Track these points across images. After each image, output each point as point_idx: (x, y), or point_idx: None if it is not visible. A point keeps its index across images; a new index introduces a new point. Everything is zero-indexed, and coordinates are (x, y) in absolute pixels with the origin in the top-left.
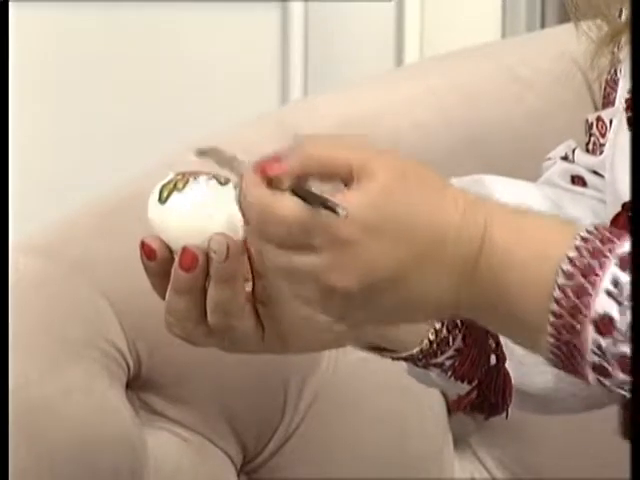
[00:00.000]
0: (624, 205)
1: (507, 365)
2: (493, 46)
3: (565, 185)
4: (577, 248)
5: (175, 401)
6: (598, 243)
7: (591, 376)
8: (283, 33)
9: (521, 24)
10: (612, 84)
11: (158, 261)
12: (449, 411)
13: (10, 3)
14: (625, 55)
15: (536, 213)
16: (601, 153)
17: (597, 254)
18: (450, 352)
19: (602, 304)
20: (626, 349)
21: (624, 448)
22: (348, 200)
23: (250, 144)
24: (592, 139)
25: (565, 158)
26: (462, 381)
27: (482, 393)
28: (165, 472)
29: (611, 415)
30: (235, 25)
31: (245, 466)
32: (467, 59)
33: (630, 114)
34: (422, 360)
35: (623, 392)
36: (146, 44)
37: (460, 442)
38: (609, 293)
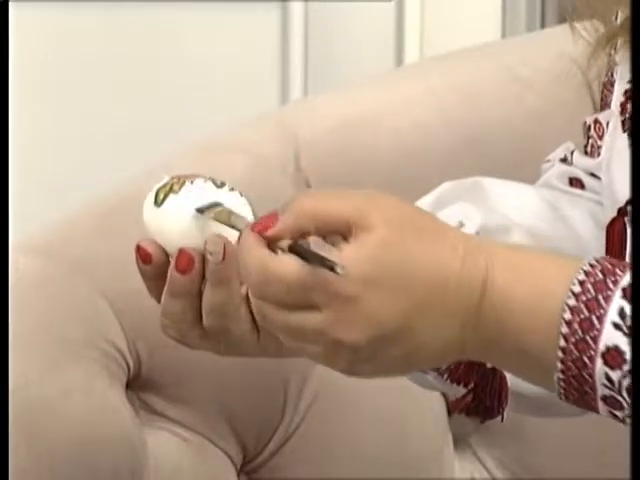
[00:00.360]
0: (620, 210)
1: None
2: (493, 46)
3: (563, 187)
4: (581, 282)
5: (175, 401)
6: (601, 276)
7: (602, 409)
8: (283, 33)
9: (521, 24)
10: (609, 86)
11: (154, 265)
12: (449, 411)
13: (10, 3)
14: (620, 57)
15: (536, 249)
16: (599, 155)
17: (601, 287)
18: None
19: (610, 337)
20: None
21: (624, 448)
22: (347, 255)
23: (250, 144)
24: (590, 141)
25: (564, 160)
26: (458, 384)
27: (478, 396)
28: (165, 472)
29: None
30: (235, 25)
31: (245, 466)
32: (467, 59)
33: (624, 117)
34: None
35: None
36: (146, 44)
37: (460, 442)
38: (616, 325)
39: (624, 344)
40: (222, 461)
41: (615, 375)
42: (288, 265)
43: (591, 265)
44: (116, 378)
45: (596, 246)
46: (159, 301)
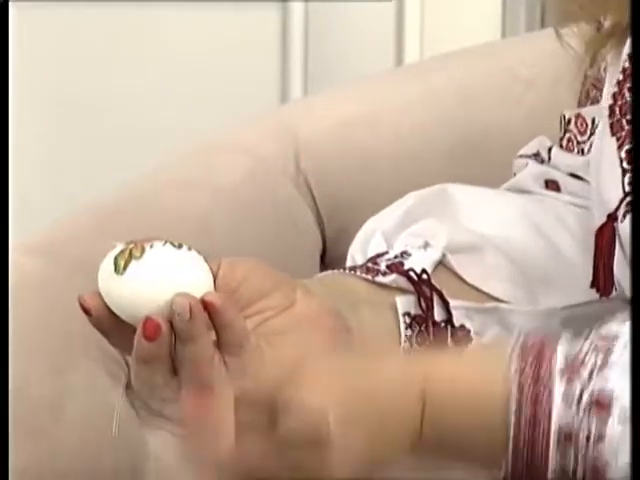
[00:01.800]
0: (609, 215)
1: None
2: (493, 46)
3: (539, 190)
4: (519, 387)
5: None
6: (535, 368)
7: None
8: (283, 33)
9: (521, 24)
10: (595, 82)
11: (94, 319)
12: None
13: (10, 3)
14: (610, 59)
15: (469, 356)
16: (580, 152)
17: (538, 382)
18: None
19: (561, 429)
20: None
21: None
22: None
23: (250, 144)
24: (567, 135)
25: (537, 155)
26: None
27: None
28: (165, 472)
29: None
30: (235, 25)
31: None
32: (467, 59)
33: (613, 120)
34: None
35: None
36: (146, 44)
37: None
38: (565, 415)
39: (577, 429)
40: None
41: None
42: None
43: (523, 358)
44: (116, 378)
45: (571, 254)
46: (116, 348)
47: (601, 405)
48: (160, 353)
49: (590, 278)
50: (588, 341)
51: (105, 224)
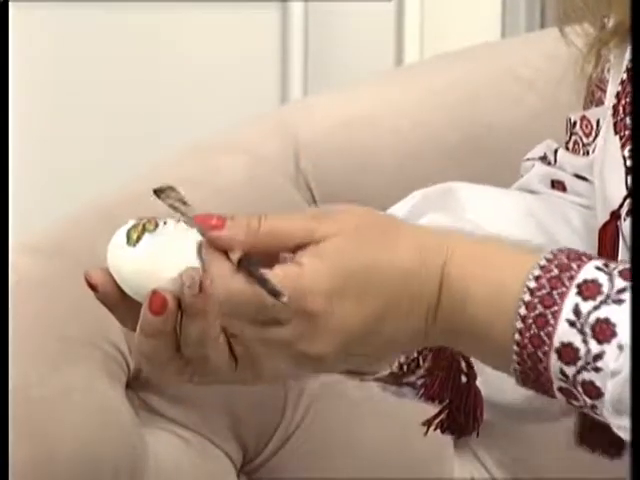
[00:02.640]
0: (613, 213)
1: (478, 381)
2: (493, 46)
3: (544, 190)
4: (536, 278)
5: (175, 401)
6: (556, 271)
7: (560, 397)
8: (283, 33)
9: (521, 24)
10: (598, 83)
11: (101, 294)
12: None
13: (10, 3)
14: (613, 59)
15: (496, 243)
16: (585, 153)
17: (556, 283)
18: (421, 372)
19: (564, 334)
20: (591, 377)
21: None
22: (305, 270)
23: (250, 144)
24: (573, 138)
25: (544, 158)
26: (432, 401)
27: (452, 413)
28: (165, 472)
29: None
30: (235, 25)
31: (245, 466)
32: (467, 59)
33: (616, 120)
34: (394, 381)
35: (594, 415)
36: (146, 44)
37: (460, 442)
38: (571, 322)
39: (578, 341)
40: (222, 461)
41: (570, 370)
42: (249, 286)
43: (548, 260)
44: (116, 378)
45: None
46: (122, 323)
47: (603, 333)
48: (165, 328)
49: None
50: (610, 272)
51: (105, 224)
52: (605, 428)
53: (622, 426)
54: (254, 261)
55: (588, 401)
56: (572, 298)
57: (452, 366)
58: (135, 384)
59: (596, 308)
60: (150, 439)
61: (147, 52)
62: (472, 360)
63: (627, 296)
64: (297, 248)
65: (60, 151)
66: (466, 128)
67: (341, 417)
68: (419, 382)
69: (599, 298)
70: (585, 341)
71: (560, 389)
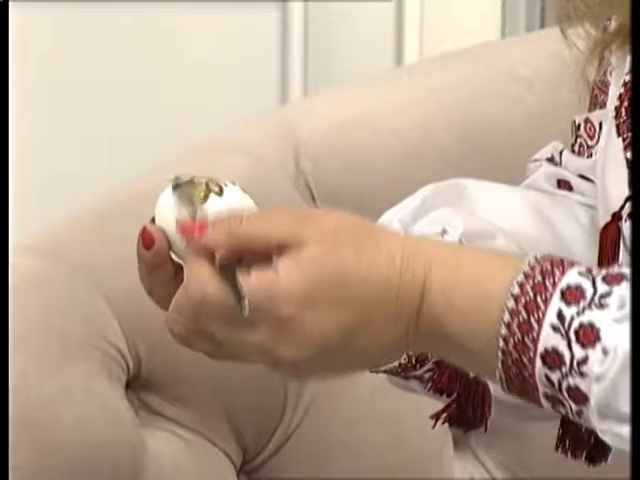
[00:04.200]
0: (614, 214)
1: None
2: (493, 46)
3: (550, 189)
4: (520, 285)
5: (175, 401)
6: (540, 277)
7: (546, 404)
8: (283, 33)
9: (521, 24)
10: (601, 86)
11: (153, 251)
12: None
13: (10, 3)
14: (616, 61)
15: (476, 251)
16: (589, 156)
17: (540, 289)
18: (429, 365)
19: (548, 339)
20: (576, 382)
21: None
22: (281, 276)
23: (250, 144)
24: (579, 140)
25: (551, 159)
26: (441, 394)
27: (460, 407)
28: (165, 472)
29: None
30: (235, 25)
31: (245, 466)
32: (467, 59)
33: (619, 121)
34: (401, 373)
35: (580, 420)
36: (146, 44)
37: (460, 442)
38: (554, 328)
39: (562, 346)
40: (222, 461)
41: (555, 376)
42: (225, 291)
43: (531, 266)
44: (116, 378)
45: (581, 249)
46: (149, 292)
47: (587, 337)
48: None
49: None
50: (592, 277)
51: (105, 224)
52: (589, 434)
53: (607, 430)
54: (231, 264)
55: (574, 407)
56: (556, 303)
57: None
58: (135, 384)
59: (579, 313)
60: (150, 439)
61: (147, 52)
62: None
63: (611, 301)
64: (278, 249)
65: (60, 151)
66: (465, 128)
67: (341, 417)
68: (427, 375)
69: (582, 303)
70: (569, 346)
71: (546, 396)
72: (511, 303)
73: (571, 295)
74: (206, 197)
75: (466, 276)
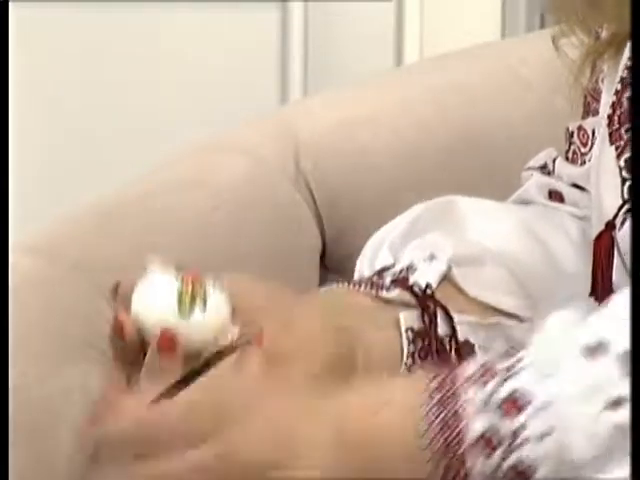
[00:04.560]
0: (607, 224)
1: None
2: (493, 46)
3: (542, 200)
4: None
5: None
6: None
7: None
8: (283, 33)
9: (521, 24)
10: (593, 93)
11: (126, 343)
12: None
13: (10, 3)
14: (608, 69)
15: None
16: (582, 163)
17: (450, 402)
18: None
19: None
20: (519, 455)
21: None
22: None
23: (250, 144)
24: (572, 147)
25: (544, 167)
26: None
27: None
28: None
29: None
30: (235, 25)
31: None
32: (467, 59)
33: (612, 130)
34: None
35: None
36: (146, 44)
37: None
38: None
39: (493, 426)
40: None
41: (493, 461)
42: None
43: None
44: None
45: (572, 265)
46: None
47: (512, 404)
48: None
49: (589, 287)
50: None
51: (105, 224)
52: None
53: None
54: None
55: None
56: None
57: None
58: None
59: (495, 390)
60: None
61: (147, 52)
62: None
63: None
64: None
65: (60, 151)
66: (465, 128)
67: None
68: None
69: (495, 380)
70: (500, 422)
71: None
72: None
73: (484, 378)
74: (192, 308)
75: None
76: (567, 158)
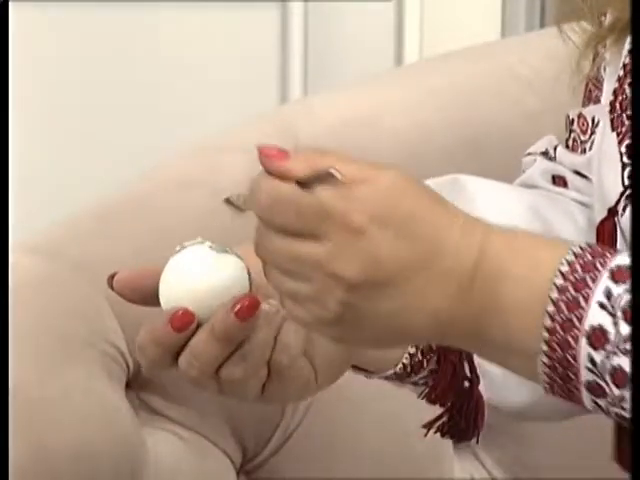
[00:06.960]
0: (610, 210)
1: (481, 385)
2: (493, 46)
3: (545, 185)
4: (569, 263)
5: (175, 401)
6: (590, 257)
7: (586, 398)
8: (283, 33)
9: (521, 24)
10: (595, 82)
11: (184, 334)
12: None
13: (10, 3)
14: (610, 56)
15: (528, 232)
16: (583, 151)
17: (589, 267)
18: (424, 373)
19: (595, 317)
20: (620, 362)
21: None
22: (359, 191)
23: (250, 144)
24: (572, 135)
25: (545, 153)
26: (434, 404)
27: (453, 417)
28: (165, 472)
29: None
30: (235, 25)
31: (245, 466)
32: (467, 59)
33: (613, 116)
34: (396, 380)
35: (619, 414)
36: (146, 44)
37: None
38: (602, 305)
39: (609, 324)
40: (222, 461)
41: (598, 357)
42: (300, 191)
43: (581, 248)
44: (116, 378)
45: None
46: (153, 370)
47: (627, 317)
48: (244, 336)
49: None
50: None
51: (105, 224)
52: None
53: None
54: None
55: (616, 392)
56: (604, 282)
57: (456, 370)
58: (135, 384)
59: (627, 291)
60: (150, 439)
61: (147, 52)
62: (475, 364)
63: None
64: (357, 180)
65: (60, 151)
66: (465, 128)
67: (341, 417)
68: (421, 382)
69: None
70: (615, 323)
71: (588, 385)
72: (560, 280)
73: (620, 274)
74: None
75: (520, 252)
76: (567, 146)
